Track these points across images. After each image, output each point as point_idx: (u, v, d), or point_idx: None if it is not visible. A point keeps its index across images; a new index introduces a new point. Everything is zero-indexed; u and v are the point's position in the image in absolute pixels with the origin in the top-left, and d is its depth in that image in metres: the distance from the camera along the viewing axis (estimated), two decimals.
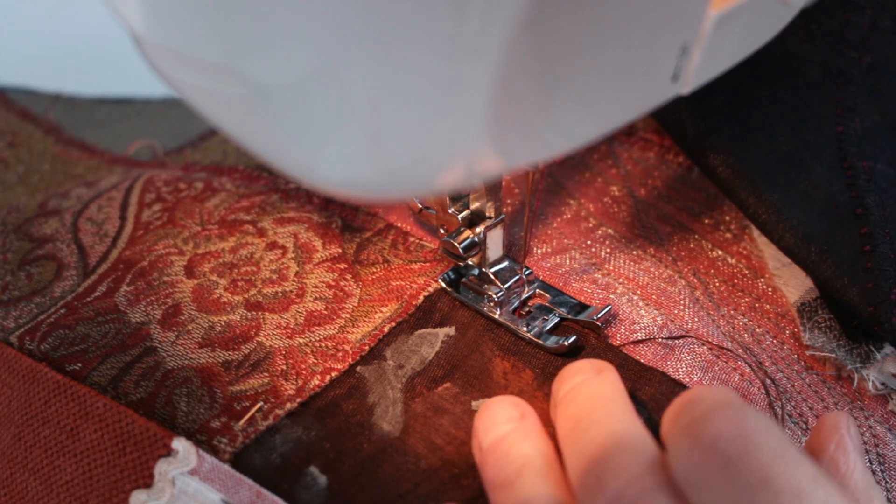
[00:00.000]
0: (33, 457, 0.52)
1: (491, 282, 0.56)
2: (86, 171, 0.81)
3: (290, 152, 0.40)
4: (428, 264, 0.58)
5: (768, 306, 0.57)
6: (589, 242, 0.60)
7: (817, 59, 0.61)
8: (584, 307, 0.56)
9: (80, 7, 0.98)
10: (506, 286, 0.56)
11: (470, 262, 0.56)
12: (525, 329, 0.54)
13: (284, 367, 0.53)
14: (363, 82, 0.35)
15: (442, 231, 0.56)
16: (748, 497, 0.39)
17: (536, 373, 0.53)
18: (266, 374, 0.52)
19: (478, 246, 0.55)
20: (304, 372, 0.52)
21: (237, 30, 0.36)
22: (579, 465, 0.44)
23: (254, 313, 0.55)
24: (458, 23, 0.33)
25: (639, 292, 0.57)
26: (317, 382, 0.52)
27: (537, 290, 0.57)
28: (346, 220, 0.61)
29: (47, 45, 0.97)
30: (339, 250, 0.59)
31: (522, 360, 0.54)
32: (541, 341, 0.53)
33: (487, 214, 0.55)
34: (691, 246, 0.60)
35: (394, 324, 0.55)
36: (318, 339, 0.54)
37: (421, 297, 0.56)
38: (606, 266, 0.59)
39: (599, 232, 0.61)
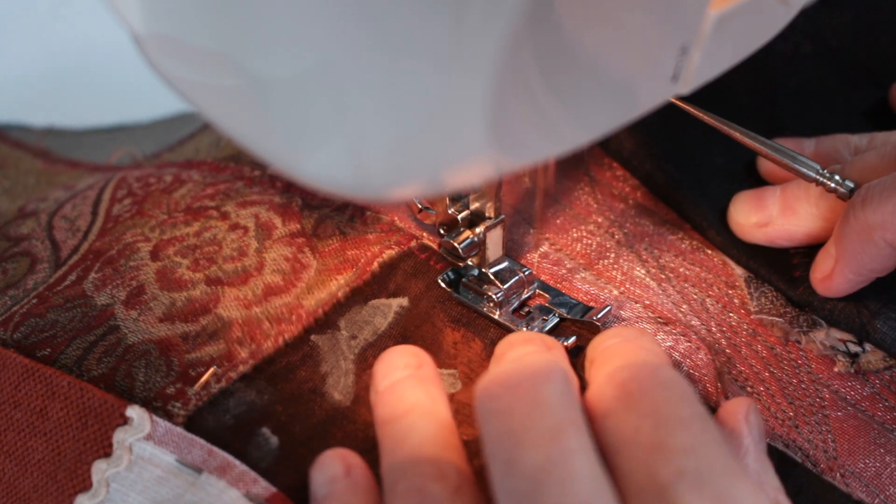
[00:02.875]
0: (7, 440, 0.53)
1: (491, 282, 0.56)
2: (68, 180, 0.83)
3: (286, 150, 0.40)
4: (383, 234, 0.59)
5: (717, 277, 0.58)
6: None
7: (745, 86, 0.64)
8: (584, 308, 0.56)
9: (73, 39, 1.00)
10: (505, 286, 0.56)
11: (469, 263, 0.57)
12: (525, 330, 0.54)
13: (240, 335, 0.54)
14: (360, 83, 0.36)
15: (442, 231, 0.56)
16: (637, 423, 0.42)
17: (486, 343, 0.54)
18: (222, 342, 0.53)
19: (477, 246, 0.55)
20: (258, 336, 0.54)
21: (237, 19, 0.37)
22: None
23: (213, 288, 0.56)
24: (458, 24, 0.33)
25: (583, 264, 0.58)
26: (270, 345, 0.53)
27: (537, 291, 0.57)
28: (306, 200, 0.62)
29: (40, 80, 0.99)
30: (298, 226, 0.60)
31: (472, 331, 0.55)
32: None
33: (487, 215, 0.55)
34: (643, 221, 0.61)
35: (348, 289, 0.56)
36: (273, 307, 0.55)
37: (375, 264, 0.57)
38: (559, 240, 0.60)
39: (553, 208, 0.62)
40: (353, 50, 0.35)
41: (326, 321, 0.55)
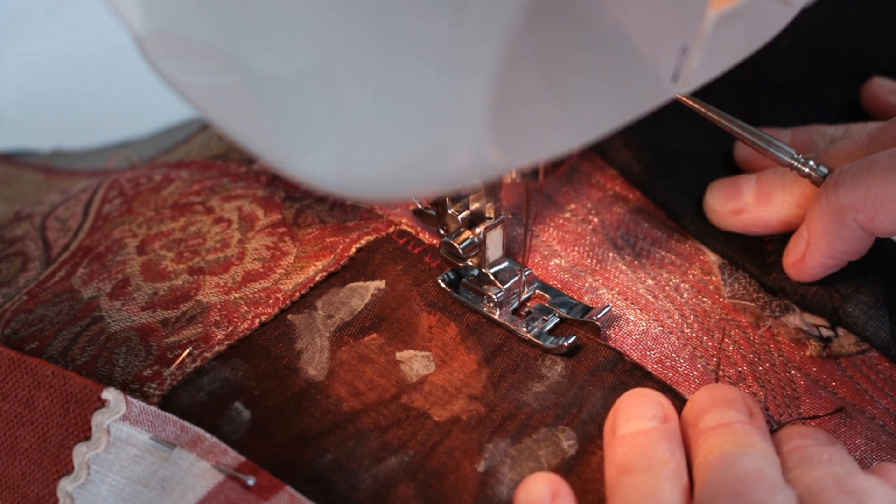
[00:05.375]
0: None
1: (491, 283, 0.56)
2: (65, 185, 0.84)
3: (282, 148, 0.41)
4: (362, 222, 0.60)
5: (692, 264, 0.59)
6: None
7: (724, 79, 0.65)
8: (584, 308, 0.56)
9: (75, 59, 1.01)
10: (505, 287, 0.56)
11: (470, 263, 0.57)
12: (525, 329, 0.55)
13: (218, 318, 0.55)
14: (357, 82, 0.36)
15: (442, 231, 0.56)
16: None
17: (461, 328, 0.55)
18: (200, 325, 0.54)
19: (478, 247, 0.55)
20: (235, 319, 0.54)
21: (235, 16, 0.37)
22: (716, 477, 0.45)
23: (195, 277, 0.57)
24: (458, 25, 0.34)
25: (558, 250, 0.59)
26: (246, 326, 0.54)
27: (537, 291, 0.57)
28: (288, 192, 0.63)
29: (44, 104, 1.00)
30: (280, 217, 0.61)
31: (448, 315, 0.55)
32: (540, 341, 0.54)
33: (487, 215, 0.55)
34: (619, 210, 0.62)
35: (325, 273, 0.57)
36: (252, 291, 0.56)
37: (353, 249, 0.58)
38: (536, 227, 0.60)
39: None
40: (352, 49, 0.35)
41: (303, 302, 0.55)
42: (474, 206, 0.55)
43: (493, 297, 0.56)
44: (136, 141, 0.92)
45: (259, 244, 0.59)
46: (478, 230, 0.55)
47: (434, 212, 0.57)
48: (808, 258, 0.55)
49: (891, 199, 0.51)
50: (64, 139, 0.91)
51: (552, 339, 0.54)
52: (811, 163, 0.55)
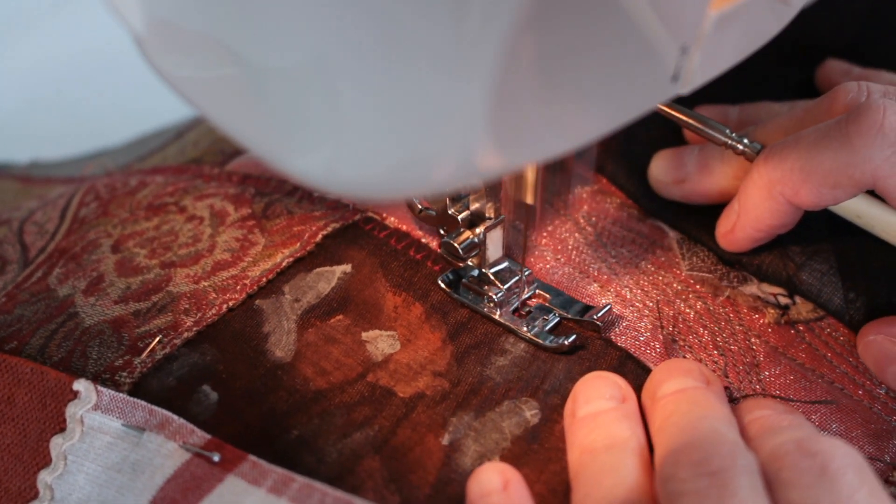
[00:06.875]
0: None
1: (491, 283, 0.56)
2: (43, 192, 0.85)
3: (279, 146, 0.41)
4: (329, 211, 0.61)
5: (651, 241, 0.60)
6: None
7: None
8: (584, 307, 0.56)
9: (51, 68, 1.03)
10: (506, 287, 0.56)
11: (469, 263, 0.57)
12: (525, 329, 0.55)
13: (187, 306, 0.56)
14: (356, 81, 0.36)
15: (442, 231, 0.57)
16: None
17: (426, 307, 0.56)
18: (170, 314, 0.55)
19: (477, 247, 0.56)
20: (204, 306, 0.56)
21: (234, 7, 0.38)
22: (676, 444, 0.46)
23: (167, 270, 0.58)
24: (458, 25, 0.34)
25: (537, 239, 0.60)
26: (214, 312, 0.55)
27: (537, 291, 0.58)
28: (259, 189, 0.64)
29: (21, 115, 1.01)
30: (249, 211, 0.62)
31: (413, 296, 0.56)
32: (540, 341, 0.54)
33: (487, 215, 0.55)
34: (580, 190, 0.63)
35: (292, 259, 0.58)
36: (220, 279, 0.57)
37: (320, 236, 0.59)
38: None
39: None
40: (349, 47, 0.36)
41: (270, 287, 0.56)
42: (474, 206, 0.56)
43: (494, 297, 0.56)
44: (112, 150, 0.93)
45: (229, 237, 0.60)
46: (478, 230, 0.55)
47: (434, 212, 0.57)
48: (737, 229, 0.56)
49: (813, 174, 0.52)
50: (40, 150, 0.93)
51: (552, 338, 0.54)
52: (745, 140, 0.56)
